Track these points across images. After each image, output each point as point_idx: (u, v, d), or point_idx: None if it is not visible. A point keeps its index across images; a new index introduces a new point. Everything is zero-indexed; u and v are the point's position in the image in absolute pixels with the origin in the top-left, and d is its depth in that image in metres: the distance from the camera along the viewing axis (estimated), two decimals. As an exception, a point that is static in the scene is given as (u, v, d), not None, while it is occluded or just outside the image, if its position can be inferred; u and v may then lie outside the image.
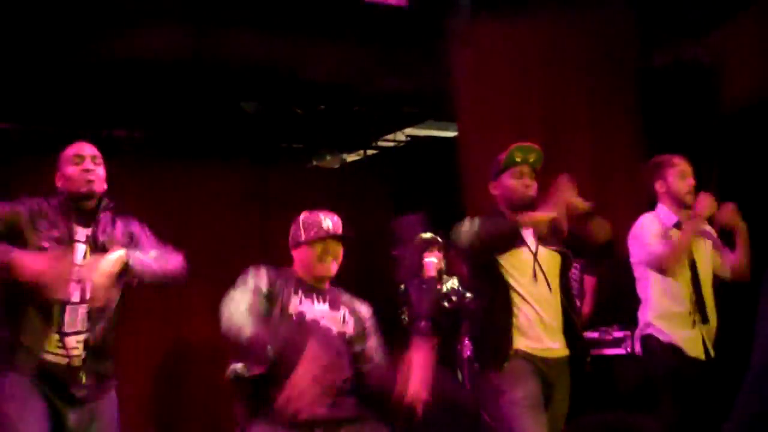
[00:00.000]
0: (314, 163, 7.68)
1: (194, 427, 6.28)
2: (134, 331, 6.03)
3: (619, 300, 5.00)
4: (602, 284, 5.48)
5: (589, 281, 5.53)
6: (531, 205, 3.55)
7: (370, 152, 7.63)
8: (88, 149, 3.38)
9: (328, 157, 7.70)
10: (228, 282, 6.48)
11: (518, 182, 3.58)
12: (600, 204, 5.27)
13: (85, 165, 3.30)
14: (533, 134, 5.74)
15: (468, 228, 3.44)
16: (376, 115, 7.16)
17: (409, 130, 7.55)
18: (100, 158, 3.38)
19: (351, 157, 7.78)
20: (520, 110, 5.81)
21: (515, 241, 3.42)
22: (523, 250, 3.45)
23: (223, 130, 6.84)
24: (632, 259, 4.04)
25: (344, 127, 7.22)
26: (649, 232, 3.93)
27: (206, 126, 6.71)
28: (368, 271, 6.33)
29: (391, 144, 7.59)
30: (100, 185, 3.34)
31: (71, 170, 3.30)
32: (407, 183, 7.02)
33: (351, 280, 6.44)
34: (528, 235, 3.48)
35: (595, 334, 5.11)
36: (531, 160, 3.59)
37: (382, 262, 5.68)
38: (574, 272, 5.31)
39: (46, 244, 3.08)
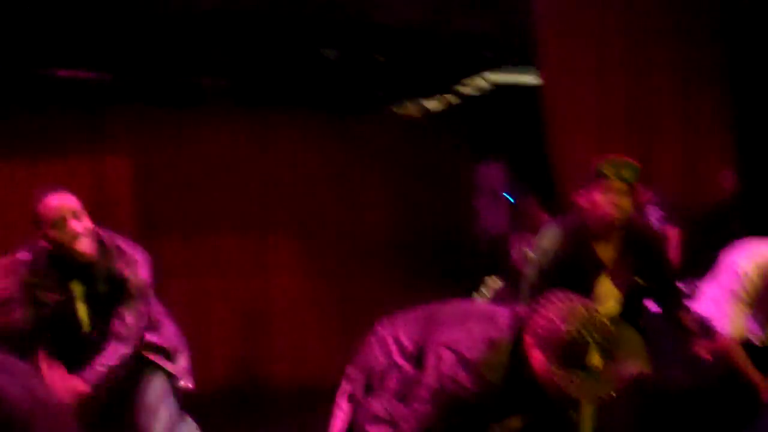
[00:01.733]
0: (394, 110, 7.70)
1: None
2: (224, 282, 6.25)
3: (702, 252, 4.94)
4: (684, 235, 5.42)
5: (673, 232, 5.46)
6: (614, 227, 3.36)
7: (451, 100, 7.59)
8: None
9: (409, 105, 7.70)
10: (311, 230, 6.65)
11: (605, 198, 3.33)
12: (687, 158, 5.20)
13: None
14: (616, 79, 5.69)
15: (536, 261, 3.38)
16: (452, 60, 7.10)
17: (490, 76, 7.46)
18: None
19: (431, 105, 7.76)
20: (603, 54, 5.72)
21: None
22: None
23: (304, 78, 6.90)
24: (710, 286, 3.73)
25: (422, 73, 7.19)
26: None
27: (287, 73, 6.78)
28: (447, 222, 6.41)
29: (472, 91, 7.54)
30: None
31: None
32: (488, 130, 6.98)
33: (428, 230, 6.50)
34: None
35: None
36: (625, 176, 3.29)
37: (462, 212, 5.72)
38: (654, 222, 5.24)
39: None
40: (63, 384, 3.07)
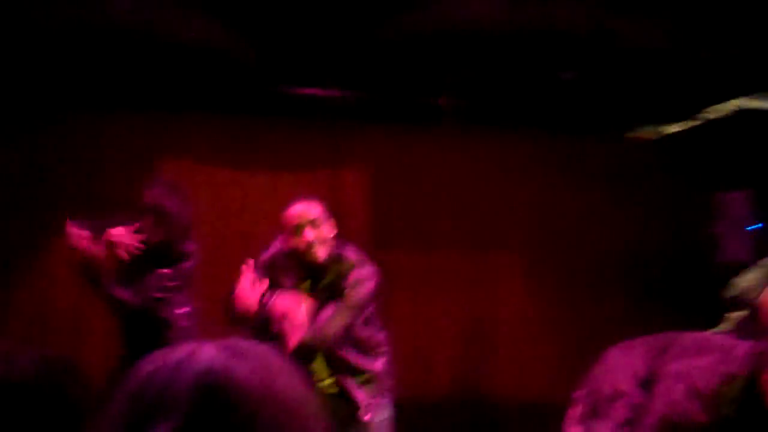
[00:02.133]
0: (629, 134, 7.48)
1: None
2: (449, 299, 6.34)
3: None
4: None
5: None
6: None
7: (691, 124, 7.27)
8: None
9: (645, 129, 7.45)
10: (540, 249, 6.58)
11: None
12: None
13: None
14: None
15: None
16: (698, 86, 6.80)
17: (737, 102, 7.08)
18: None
19: (671, 129, 7.46)
20: None
21: None
22: None
23: (540, 99, 6.87)
24: None
25: (663, 97, 6.94)
26: None
27: (524, 94, 6.77)
28: (685, 250, 6.13)
29: (716, 115, 7.17)
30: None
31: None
32: (733, 157, 6.61)
33: (662, 258, 6.27)
34: None
35: None
36: None
37: (700, 240, 5.45)
38: None
39: None
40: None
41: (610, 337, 2.97)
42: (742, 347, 2.53)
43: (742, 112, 7.11)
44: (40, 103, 6.03)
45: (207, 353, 0.95)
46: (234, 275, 6.37)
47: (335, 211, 6.69)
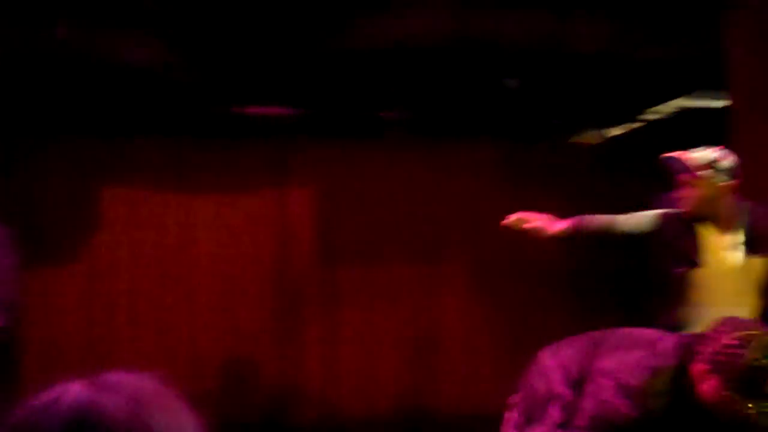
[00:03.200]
0: (574, 138, 7.57)
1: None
2: (396, 310, 6.37)
3: None
4: None
5: None
6: None
7: (633, 126, 7.39)
8: None
9: (589, 132, 7.55)
10: (485, 258, 6.65)
11: None
12: None
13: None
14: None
15: None
16: (641, 87, 6.91)
17: (677, 102, 7.20)
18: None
19: (613, 132, 7.57)
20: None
21: None
22: None
23: (485, 108, 6.92)
24: None
25: (607, 100, 7.04)
26: None
27: (469, 104, 6.83)
28: (628, 255, 6.21)
29: (656, 116, 7.29)
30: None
31: None
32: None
33: (605, 259, 6.35)
34: None
35: None
36: None
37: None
38: None
39: None
40: None
41: (555, 342, 2.98)
42: (669, 340, 2.57)
43: (682, 113, 7.24)
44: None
45: (75, 391, 0.95)
46: (181, 295, 6.44)
47: (284, 228, 6.79)
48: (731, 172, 3.07)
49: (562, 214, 6.78)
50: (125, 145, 6.23)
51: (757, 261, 3.42)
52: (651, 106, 7.28)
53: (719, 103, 6.31)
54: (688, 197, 3.01)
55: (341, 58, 5.92)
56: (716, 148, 3.07)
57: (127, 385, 0.96)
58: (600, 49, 6.28)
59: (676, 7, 5.70)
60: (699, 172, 2.99)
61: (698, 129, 6.75)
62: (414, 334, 6.38)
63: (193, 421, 0.99)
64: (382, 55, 5.98)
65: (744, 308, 3.24)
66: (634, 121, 7.38)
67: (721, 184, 3.06)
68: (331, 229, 6.51)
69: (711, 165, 3.05)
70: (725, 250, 3.36)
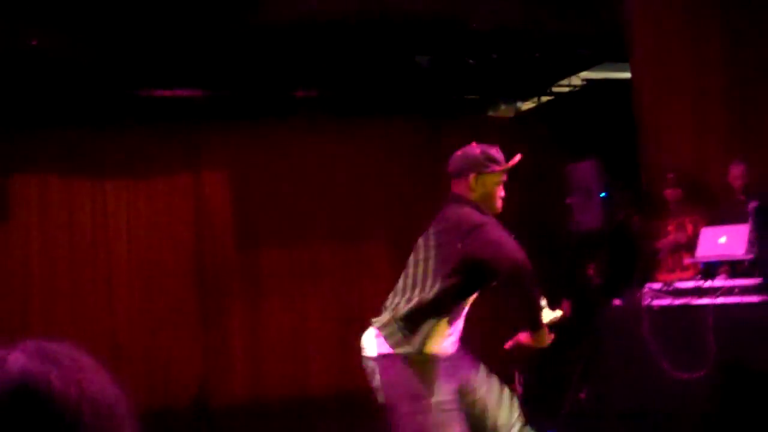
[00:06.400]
0: (489, 113, 7.66)
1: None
2: (318, 290, 6.38)
3: None
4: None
5: None
6: None
7: (544, 99, 7.51)
8: None
9: (503, 107, 7.65)
10: (403, 235, 6.68)
11: None
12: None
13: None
14: (713, 74, 5.48)
15: None
16: (549, 61, 7.02)
17: (585, 74, 7.35)
18: None
19: (526, 105, 7.69)
20: (698, 50, 5.53)
21: None
22: None
23: (398, 85, 6.95)
24: None
25: (518, 74, 7.14)
26: None
27: (381, 82, 6.84)
28: (542, 221, 6.34)
29: (566, 89, 7.43)
30: None
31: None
32: (583, 128, 6.86)
33: (522, 229, 6.49)
34: None
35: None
36: None
37: (556, 210, 5.63)
38: None
39: None
40: None
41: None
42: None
43: (591, 84, 7.39)
44: None
45: (17, 360, 0.93)
46: (98, 285, 6.30)
47: (199, 213, 6.71)
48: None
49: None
50: (34, 133, 6.06)
51: None
52: (560, 79, 7.42)
53: (626, 75, 6.47)
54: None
55: (250, 36, 5.86)
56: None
57: (66, 355, 0.95)
58: (506, 25, 6.38)
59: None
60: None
61: (607, 100, 6.94)
62: (339, 314, 6.37)
63: (122, 395, 0.99)
64: (291, 32, 5.94)
65: None
66: (545, 94, 7.51)
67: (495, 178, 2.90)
68: (249, 212, 6.46)
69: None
70: None
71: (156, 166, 6.31)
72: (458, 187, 2.89)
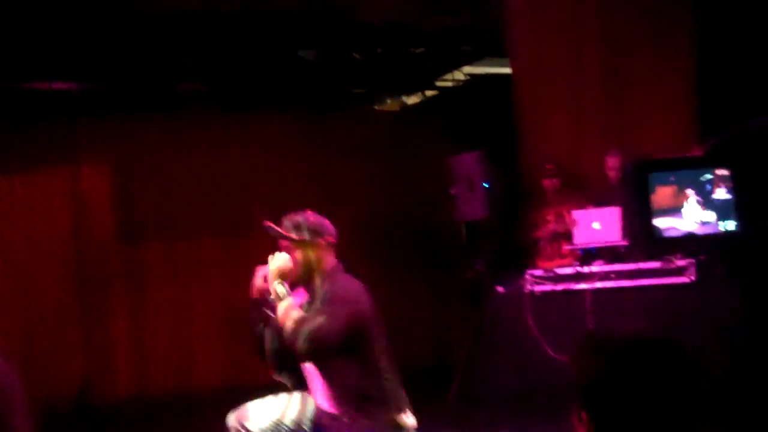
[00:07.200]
0: (375, 107, 7.74)
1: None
2: (205, 286, 6.32)
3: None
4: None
5: None
6: None
7: (429, 93, 7.64)
8: None
9: (389, 101, 7.74)
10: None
11: None
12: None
13: None
14: (590, 70, 5.69)
15: None
16: (433, 55, 7.15)
17: (468, 69, 7.51)
18: None
19: (411, 100, 7.80)
20: (576, 45, 5.72)
21: None
22: None
23: (283, 80, 6.94)
24: None
25: (403, 69, 7.24)
26: None
27: (266, 76, 6.81)
28: (427, 213, 6.46)
29: (450, 84, 7.58)
30: None
31: None
32: (467, 122, 7.01)
33: (409, 221, 6.59)
34: None
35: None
36: None
37: (441, 201, 5.73)
38: None
39: None
40: None
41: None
42: None
43: (473, 79, 7.56)
44: None
45: None
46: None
47: (79, 210, 6.52)
48: (318, 231, 3.00)
49: (364, 177, 6.99)
50: None
51: None
52: (444, 74, 7.55)
53: (507, 70, 6.64)
54: (294, 261, 2.96)
55: (132, 29, 5.75)
56: (302, 212, 3.04)
57: None
58: (389, 19, 6.46)
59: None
60: (291, 236, 2.94)
61: (489, 94, 7.11)
62: (224, 310, 6.30)
63: (9, 369, 1.00)
64: (174, 24, 5.85)
65: None
66: (430, 88, 7.64)
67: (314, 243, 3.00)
68: (130, 205, 6.32)
69: (297, 227, 3.01)
70: None
71: (33, 160, 6.10)
72: None
